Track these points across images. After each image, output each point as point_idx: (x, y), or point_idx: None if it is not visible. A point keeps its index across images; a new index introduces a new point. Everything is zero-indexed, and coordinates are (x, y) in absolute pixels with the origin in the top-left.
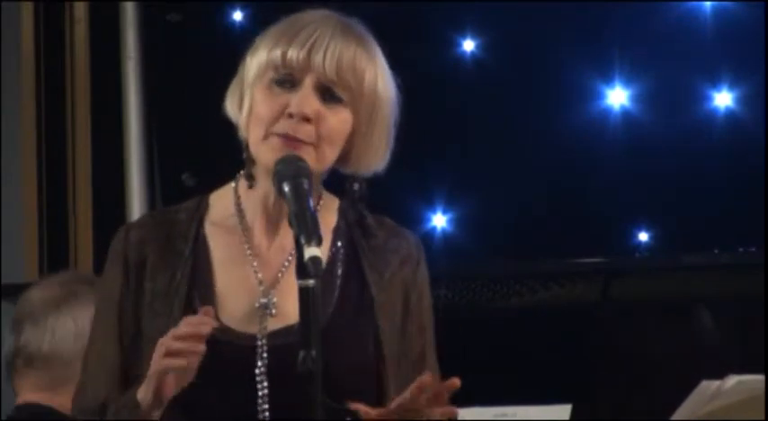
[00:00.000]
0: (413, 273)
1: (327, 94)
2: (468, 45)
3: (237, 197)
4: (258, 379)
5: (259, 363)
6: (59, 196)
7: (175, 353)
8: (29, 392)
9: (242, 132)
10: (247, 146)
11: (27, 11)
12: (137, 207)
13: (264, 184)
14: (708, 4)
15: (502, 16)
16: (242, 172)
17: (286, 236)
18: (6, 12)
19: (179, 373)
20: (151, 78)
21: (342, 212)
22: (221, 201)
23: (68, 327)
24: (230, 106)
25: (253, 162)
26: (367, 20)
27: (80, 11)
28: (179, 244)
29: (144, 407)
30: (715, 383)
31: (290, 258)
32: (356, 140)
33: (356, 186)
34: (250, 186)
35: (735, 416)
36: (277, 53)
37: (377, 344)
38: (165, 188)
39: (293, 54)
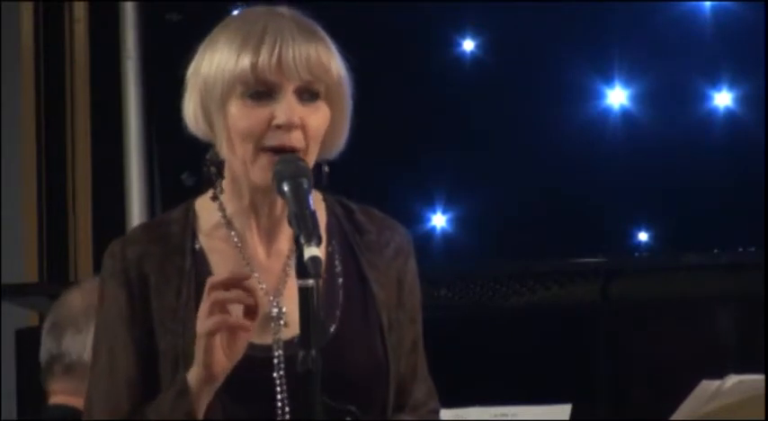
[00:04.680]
0: (404, 265)
1: (305, 94)
2: (468, 45)
3: (223, 208)
4: (277, 389)
5: (275, 375)
6: (59, 196)
7: (221, 304)
8: (62, 395)
9: (220, 151)
10: (219, 162)
11: (27, 11)
12: (137, 207)
13: (253, 197)
14: (708, 3)
15: (502, 16)
16: (220, 182)
17: (281, 241)
18: (6, 12)
19: (229, 343)
20: (151, 78)
21: (329, 208)
22: (207, 210)
23: None
24: (195, 123)
25: (223, 177)
26: (367, 20)
27: (80, 11)
28: (177, 259)
29: (194, 388)
30: (715, 383)
31: (290, 263)
32: (330, 128)
33: (326, 169)
34: (214, 199)
35: (735, 416)
36: (245, 65)
37: (382, 340)
38: (164, 188)
39: (264, 64)
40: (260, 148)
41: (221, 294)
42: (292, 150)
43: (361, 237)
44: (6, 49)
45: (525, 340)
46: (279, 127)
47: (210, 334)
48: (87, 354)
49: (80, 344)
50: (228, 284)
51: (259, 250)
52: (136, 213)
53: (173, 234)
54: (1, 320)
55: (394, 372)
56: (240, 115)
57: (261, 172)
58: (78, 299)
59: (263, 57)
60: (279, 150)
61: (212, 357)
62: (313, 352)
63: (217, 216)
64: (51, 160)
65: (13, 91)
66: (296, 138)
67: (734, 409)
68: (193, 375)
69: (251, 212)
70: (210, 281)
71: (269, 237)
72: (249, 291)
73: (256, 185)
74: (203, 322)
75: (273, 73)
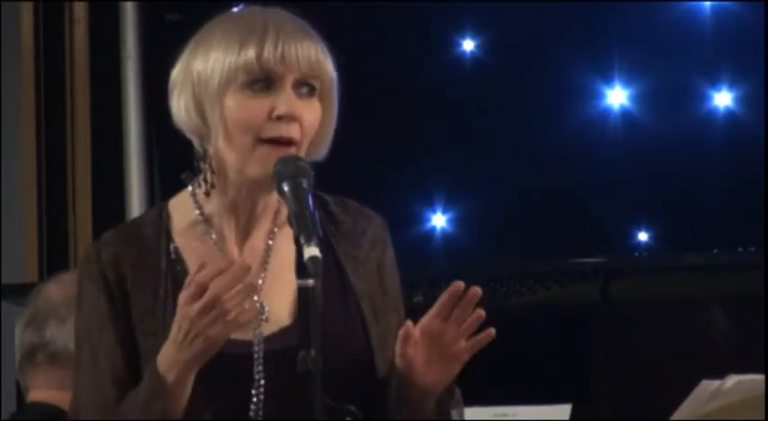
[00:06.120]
0: (383, 253)
1: (302, 88)
2: (468, 45)
3: (199, 205)
4: (256, 384)
5: (255, 369)
6: (59, 196)
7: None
8: (45, 389)
9: (210, 143)
10: (207, 155)
11: (27, 11)
12: (136, 206)
13: (237, 194)
14: (707, 3)
15: (502, 16)
16: (200, 179)
17: (256, 238)
18: (6, 12)
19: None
20: (151, 78)
21: None
22: (181, 209)
23: None
24: (186, 117)
25: (213, 171)
26: (367, 20)
27: (80, 11)
28: (153, 259)
29: (177, 371)
30: (715, 383)
31: (268, 260)
32: (318, 128)
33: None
34: (207, 194)
35: (735, 416)
36: (250, 55)
37: (364, 331)
38: (164, 188)
39: (269, 55)
40: (258, 140)
41: (223, 305)
42: (290, 141)
43: (337, 229)
44: (6, 49)
45: (525, 340)
46: (279, 118)
47: (215, 342)
48: (73, 345)
49: (66, 335)
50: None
51: (234, 248)
52: (136, 213)
53: (146, 236)
54: (1, 320)
55: (381, 361)
56: (239, 106)
57: (257, 164)
58: (57, 290)
59: (269, 48)
60: (277, 141)
61: (207, 355)
62: (313, 352)
63: (193, 215)
64: (51, 160)
65: (13, 91)
66: (294, 130)
67: (734, 409)
68: (175, 368)
69: (231, 210)
70: (215, 285)
71: (245, 234)
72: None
73: (251, 179)
74: (207, 327)
75: (277, 62)
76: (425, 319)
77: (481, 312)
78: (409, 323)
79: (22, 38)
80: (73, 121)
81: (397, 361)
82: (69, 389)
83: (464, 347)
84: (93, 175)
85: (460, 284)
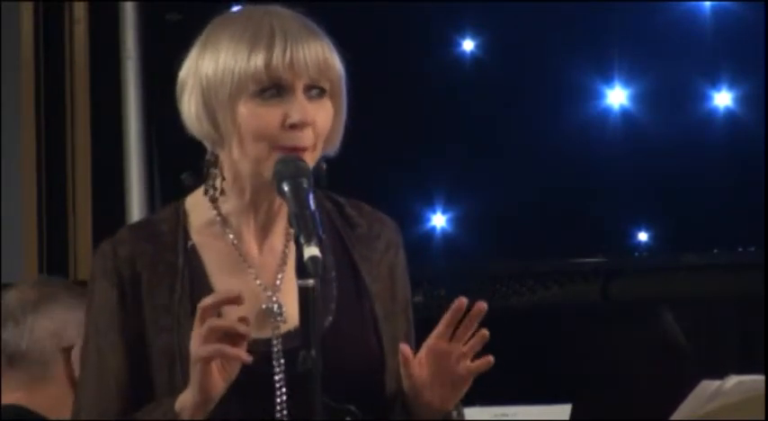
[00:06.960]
0: (395, 257)
1: (312, 91)
2: (468, 45)
3: (216, 206)
4: (278, 384)
5: (277, 369)
6: (59, 196)
7: (217, 331)
8: (10, 391)
9: (227, 150)
10: (219, 161)
11: (27, 11)
12: (136, 207)
13: (255, 194)
14: (707, 3)
15: (502, 16)
16: (210, 184)
17: (275, 236)
18: (6, 12)
19: (224, 365)
20: (151, 78)
21: (318, 202)
22: (198, 208)
23: (46, 327)
24: (198, 125)
25: (224, 178)
26: (367, 20)
27: (80, 11)
28: (169, 257)
29: (190, 411)
30: (715, 383)
31: (286, 259)
32: (332, 124)
33: (324, 166)
34: (214, 200)
35: (735, 416)
36: (258, 64)
37: (376, 333)
38: (164, 188)
39: (277, 63)
40: (273, 148)
41: (216, 321)
42: (304, 149)
43: (352, 231)
44: (6, 49)
45: (525, 340)
46: (293, 126)
47: (206, 361)
48: (25, 345)
49: (18, 336)
50: (219, 305)
51: (254, 246)
52: (136, 213)
53: (163, 232)
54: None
55: (391, 363)
56: (252, 115)
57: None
58: (13, 294)
59: (277, 55)
60: (292, 150)
61: (209, 381)
62: (313, 352)
63: (210, 214)
64: (51, 160)
65: (13, 91)
66: (307, 137)
67: (734, 409)
68: (188, 399)
69: (250, 209)
70: (201, 305)
71: (264, 233)
72: (240, 302)
73: (269, 181)
74: (199, 348)
75: (286, 69)
76: (431, 340)
77: (485, 332)
78: (405, 347)
79: (22, 38)
80: (73, 121)
81: (404, 382)
82: (30, 388)
83: (469, 367)
84: (93, 175)
85: (463, 301)
